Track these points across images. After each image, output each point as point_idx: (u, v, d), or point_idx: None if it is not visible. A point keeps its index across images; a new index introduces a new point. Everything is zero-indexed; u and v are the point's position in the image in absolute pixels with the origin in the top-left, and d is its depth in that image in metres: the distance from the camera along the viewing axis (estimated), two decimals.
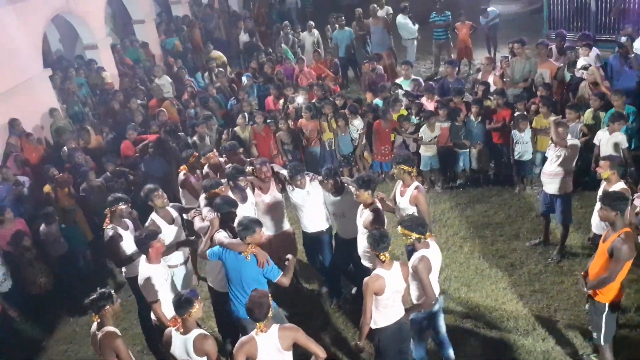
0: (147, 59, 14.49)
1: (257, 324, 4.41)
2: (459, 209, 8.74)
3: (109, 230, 6.32)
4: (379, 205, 5.86)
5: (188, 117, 10.96)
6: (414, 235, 5.05)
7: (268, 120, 10.13)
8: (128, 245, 6.26)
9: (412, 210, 6.18)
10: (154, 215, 6.40)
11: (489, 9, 13.75)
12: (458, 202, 8.93)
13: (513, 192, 8.87)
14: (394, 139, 9.51)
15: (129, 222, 6.59)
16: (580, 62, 9.56)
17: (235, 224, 5.46)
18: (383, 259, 4.84)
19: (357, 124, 9.59)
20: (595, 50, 9.84)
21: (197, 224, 6.02)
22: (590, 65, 9.19)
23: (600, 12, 11.61)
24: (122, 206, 6.43)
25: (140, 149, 9.67)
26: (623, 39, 9.77)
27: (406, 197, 6.25)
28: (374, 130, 9.49)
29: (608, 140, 7.43)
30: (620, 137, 7.39)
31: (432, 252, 5.18)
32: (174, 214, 6.55)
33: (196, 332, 4.69)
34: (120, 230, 6.34)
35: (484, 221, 8.32)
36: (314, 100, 10.48)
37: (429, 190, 9.24)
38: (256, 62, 13.27)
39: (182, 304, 4.63)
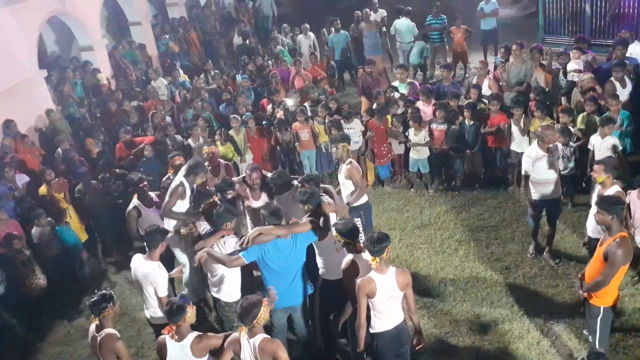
0: (144, 61, 14.47)
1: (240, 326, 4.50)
2: (454, 212, 8.76)
3: (131, 204, 7.21)
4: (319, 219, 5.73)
5: (183, 119, 10.95)
6: (342, 240, 5.14)
7: (264, 122, 10.15)
8: (146, 221, 6.96)
9: (348, 183, 7.01)
10: None
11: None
12: (453, 205, 8.95)
13: (507, 195, 8.89)
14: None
15: (155, 198, 7.39)
16: (571, 65, 9.62)
17: (266, 213, 5.61)
18: (373, 263, 4.79)
19: (355, 125, 9.58)
20: (589, 54, 9.91)
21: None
22: (581, 70, 9.27)
23: (595, 16, 11.66)
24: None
25: (135, 153, 9.65)
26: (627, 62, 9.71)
27: (342, 173, 7.08)
28: (372, 132, 9.49)
29: (601, 145, 7.47)
30: (613, 141, 7.42)
31: (363, 257, 5.12)
32: None
33: (191, 336, 4.69)
34: (142, 207, 7.17)
35: (479, 224, 8.34)
36: (306, 104, 10.50)
37: (416, 191, 9.53)
38: (254, 64, 13.30)
39: (175, 311, 4.61)
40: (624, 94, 8.43)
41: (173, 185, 6.80)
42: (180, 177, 6.84)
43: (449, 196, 9.24)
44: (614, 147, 7.39)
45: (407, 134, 9.28)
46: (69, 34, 13.95)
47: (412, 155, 9.36)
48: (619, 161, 7.06)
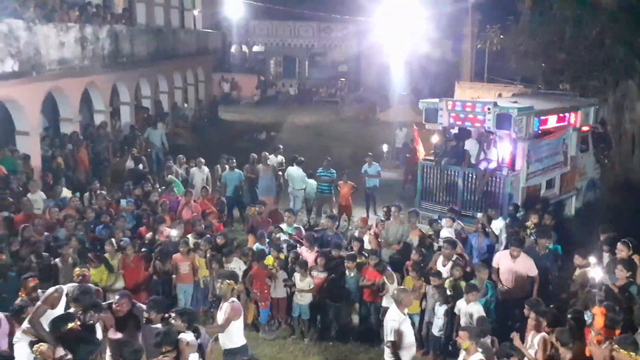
0: (25, 172, 13.77)
1: None
2: None
3: None
4: None
5: (54, 238, 10.31)
6: None
7: (143, 249, 9.83)
8: None
9: (227, 325, 6.78)
10: None
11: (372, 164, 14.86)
12: (327, 357, 8.89)
13: (379, 352, 8.90)
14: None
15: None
16: (443, 232, 10.44)
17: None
18: None
19: (236, 264, 9.49)
20: (459, 224, 10.86)
21: None
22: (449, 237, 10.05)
23: (465, 190, 12.95)
24: None
25: None
26: (479, 215, 10.91)
27: (222, 310, 6.93)
28: (252, 275, 9.41)
29: (466, 310, 7.92)
30: (476, 308, 7.90)
31: None
32: None
33: None
34: None
35: None
36: (190, 236, 10.38)
37: (293, 338, 9.40)
38: (141, 189, 13.10)
39: None
40: (444, 270, 9.01)
41: (49, 290, 6.30)
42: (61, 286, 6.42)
43: (323, 347, 9.18)
44: (478, 314, 7.84)
45: (292, 278, 9.32)
46: None
47: (296, 300, 9.35)
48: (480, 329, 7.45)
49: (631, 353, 5.83)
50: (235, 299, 7.08)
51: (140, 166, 15.35)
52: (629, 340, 6.08)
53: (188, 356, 5.40)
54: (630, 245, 8.37)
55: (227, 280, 7.03)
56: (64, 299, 6.56)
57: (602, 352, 6.17)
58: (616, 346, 5.95)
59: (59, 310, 6.51)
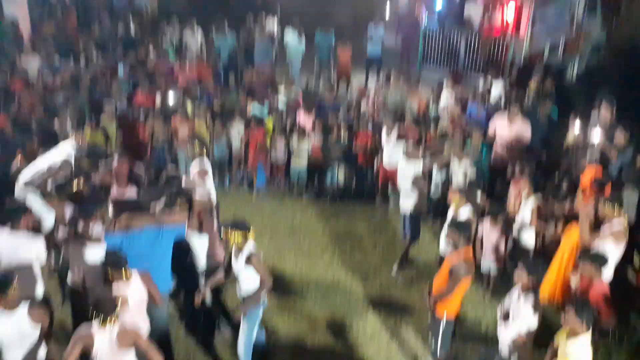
0: (14, 38, 13.41)
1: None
2: (324, 219, 9.07)
3: None
4: None
5: (49, 102, 10.29)
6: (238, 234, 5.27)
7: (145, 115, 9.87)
8: None
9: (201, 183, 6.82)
10: None
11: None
12: (324, 213, 9.28)
13: (374, 207, 9.38)
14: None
15: None
16: (444, 94, 10.39)
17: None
18: None
19: (239, 129, 9.61)
20: (459, 87, 10.79)
21: None
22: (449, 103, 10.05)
23: (468, 51, 12.74)
24: None
25: None
26: (481, 85, 10.80)
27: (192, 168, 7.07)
28: (252, 140, 9.53)
29: (458, 170, 8.12)
30: (468, 166, 8.08)
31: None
32: None
33: (25, 304, 4.56)
34: None
35: (345, 232, 8.72)
36: (187, 100, 10.36)
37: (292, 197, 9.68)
38: (135, 55, 12.85)
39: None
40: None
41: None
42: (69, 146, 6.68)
43: (321, 204, 9.56)
44: (468, 172, 8.05)
45: (290, 143, 9.47)
46: None
47: (294, 163, 9.57)
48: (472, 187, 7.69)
49: (614, 209, 6.07)
50: (204, 159, 7.23)
51: (132, 32, 14.90)
52: (614, 196, 6.30)
53: (200, 212, 5.77)
54: (614, 106, 8.37)
55: (196, 139, 7.41)
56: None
57: (586, 208, 6.36)
58: (602, 202, 6.18)
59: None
